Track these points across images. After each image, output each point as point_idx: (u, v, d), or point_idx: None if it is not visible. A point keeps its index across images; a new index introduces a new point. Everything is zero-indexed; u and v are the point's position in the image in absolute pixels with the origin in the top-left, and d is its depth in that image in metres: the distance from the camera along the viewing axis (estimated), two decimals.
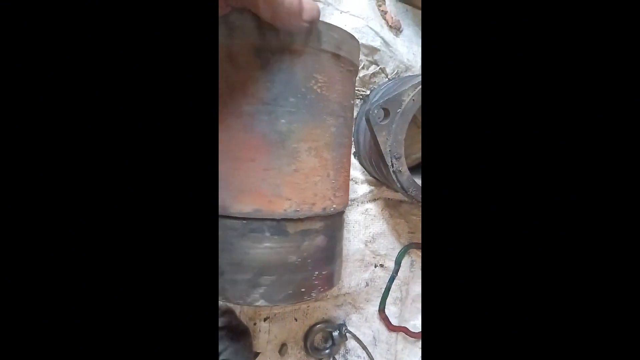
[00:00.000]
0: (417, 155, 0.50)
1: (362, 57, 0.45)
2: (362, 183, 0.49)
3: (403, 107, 0.35)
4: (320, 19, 0.28)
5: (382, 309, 0.53)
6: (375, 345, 0.54)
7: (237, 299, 0.30)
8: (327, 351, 0.51)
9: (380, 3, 0.45)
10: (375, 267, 0.52)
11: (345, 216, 0.40)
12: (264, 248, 0.30)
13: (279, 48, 0.27)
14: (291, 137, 0.28)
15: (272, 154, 0.28)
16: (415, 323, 0.56)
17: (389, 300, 0.53)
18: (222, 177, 0.29)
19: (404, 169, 0.36)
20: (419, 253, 0.54)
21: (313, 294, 0.32)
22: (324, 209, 0.31)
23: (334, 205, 0.32)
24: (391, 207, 0.51)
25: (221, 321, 0.46)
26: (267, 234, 0.29)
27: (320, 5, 0.43)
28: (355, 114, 0.46)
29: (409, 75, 0.46)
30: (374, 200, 0.49)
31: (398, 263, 0.53)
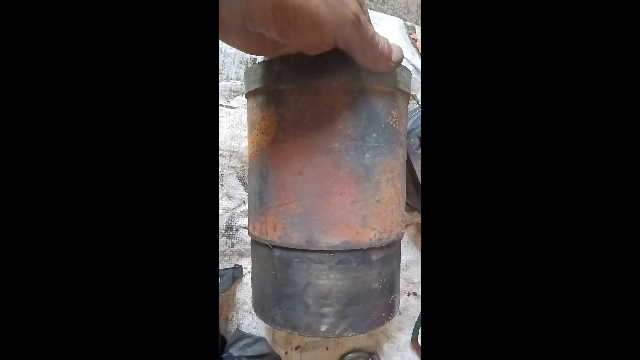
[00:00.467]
0: None
1: None
2: None
3: None
4: None
5: (414, 339, 0.53)
6: None
7: (325, 333, 0.30)
8: None
9: (410, 31, 0.48)
10: (408, 295, 0.53)
11: None
12: (351, 278, 0.30)
13: (364, 89, 0.29)
14: (374, 170, 0.30)
15: (358, 187, 0.29)
16: None
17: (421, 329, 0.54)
18: (308, 212, 0.29)
19: None
20: None
21: (390, 317, 0.33)
22: (397, 234, 0.33)
23: (402, 230, 0.34)
24: None
25: (254, 350, 0.45)
26: (354, 265, 0.30)
27: None
28: None
29: None
30: (406, 226, 0.51)
31: None
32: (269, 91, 0.30)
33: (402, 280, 0.52)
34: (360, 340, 0.52)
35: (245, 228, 0.45)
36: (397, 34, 0.47)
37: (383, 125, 0.30)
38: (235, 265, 0.46)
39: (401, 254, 0.51)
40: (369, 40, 0.25)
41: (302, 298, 0.30)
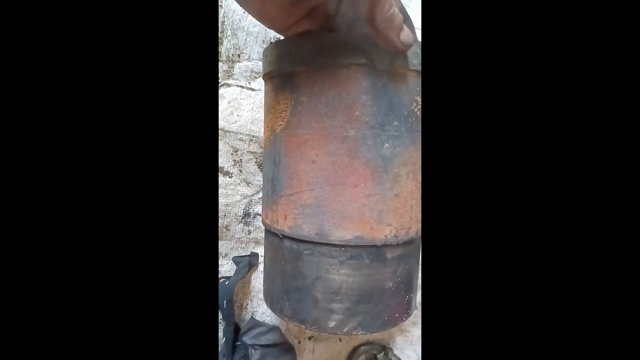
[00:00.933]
0: None
1: None
2: None
3: None
4: (421, 41, 0.27)
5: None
6: None
7: (333, 330, 0.29)
8: None
9: None
10: None
11: None
12: (363, 275, 0.29)
13: (386, 72, 0.26)
14: (394, 162, 0.28)
15: (375, 179, 0.27)
16: None
17: None
18: (320, 203, 0.28)
19: None
20: None
21: (404, 318, 0.31)
22: (417, 232, 0.30)
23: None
24: None
25: (267, 338, 0.45)
26: (367, 261, 0.29)
27: None
28: None
29: None
30: None
31: None
32: (284, 73, 0.28)
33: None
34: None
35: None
36: None
37: (406, 113, 0.27)
38: (252, 252, 0.45)
39: None
40: (390, 12, 0.23)
41: (311, 292, 0.29)
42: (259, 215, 0.44)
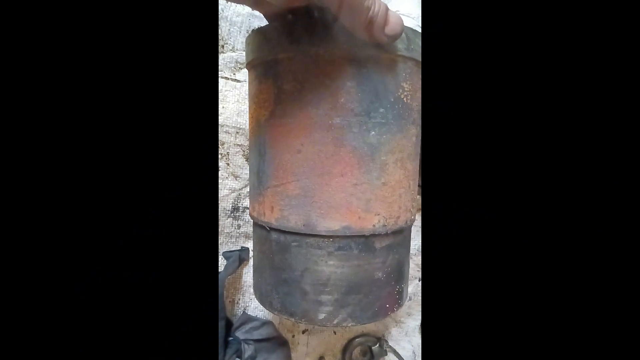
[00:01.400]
0: None
1: None
2: None
3: None
4: (407, 26, 0.26)
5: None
6: None
7: (323, 322, 0.29)
8: None
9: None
10: (419, 280, 0.51)
11: None
12: (352, 266, 0.28)
13: (371, 57, 0.26)
14: (381, 150, 0.27)
15: (362, 167, 0.27)
16: None
17: None
18: (307, 194, 0.27)
19: None
20: None
21: (395, 309, 0.31)
22: (406, 221, 0.30)
23: (412, 217, 0.31)
24: None
25: (260, 333, 0.45)
26: (355, 252, 0.28)
27: None
28: None
29: None
30: (418, 211, 0.48)
31: None
32: (267, 61, 0.28)
33: (413, 266, 0.50)
34: (368, 324, 0.50)
35: None
36: (416, 4, 0.43)
37: (392, 100, 0.27)
38: (242, 247, 0.44)
39: (414, 239, 0.48)
40: None
41: (300, 284, 0.29)
42: (248, 209, 0.43)
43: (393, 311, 0.31)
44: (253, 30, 0.29)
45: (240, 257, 0.43)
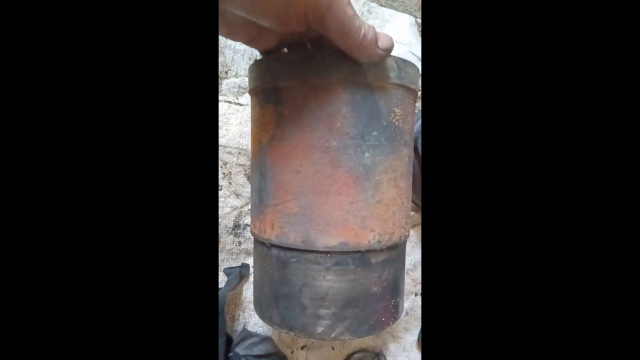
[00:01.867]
0: None
1: None
2: None
3: None
4: (398, 57, 0.29)
5: (421, 339, 0.53)
6: None
7: (321, 335, 0.30)
8: None
9: (421, 29, 0.47)
10: (415, 295, 0.52)
11: None
12: (349, 281, 0.30)
13: (365, 84, 0.28)
14: (375, 170, 0.29)
15: (357, 186, 0.28)
16: None
17: None
18: (305, 212, 0.29)
19: None
20: None
21: (391, 322, 0.32)
22: (400, 237, 0.32)
23: (406, 233, 0.33)
24: None
25: (260, 349, 0.45)
26: (352, 267, 0.29)
27: None
28: None
29: None
30: (414, 226, 0.50)
31: None
32: (268, 88, 0.30)
33: (409, 281, 0.51)
34: (367, 340, 0.51)
35: None
36: (408, 30, 0.46)
37: (384, 123, 0.29)
38: (243, 263, 0.46)
39: (410, 254, 0.50)
40: (347, 21, 0.24)
41: (299, 298, 0.30)
42: (249, 226, 0.45)
43: (389, 325, 0.32)
44: (256, 60, 0.32)
45: (240, 273, 0.45)
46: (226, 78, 0.42)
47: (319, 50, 0.27)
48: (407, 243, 0.50)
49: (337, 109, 0.28)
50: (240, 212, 0.44)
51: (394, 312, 0.32)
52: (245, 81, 0.43)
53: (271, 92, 0.30)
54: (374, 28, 0.26)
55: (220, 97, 0.42)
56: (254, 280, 0.36)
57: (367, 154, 0.28)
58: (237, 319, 0.46)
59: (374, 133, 0.29)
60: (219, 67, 0.42)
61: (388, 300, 0.32)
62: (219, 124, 0.42)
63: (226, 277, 0.44)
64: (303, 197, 0.29)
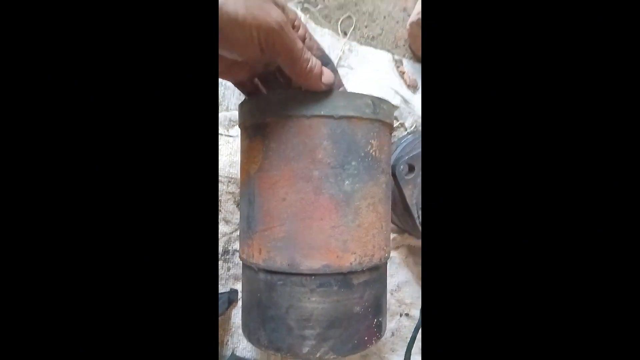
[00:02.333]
0: None
1: None
2: None
3: None
4: (373, 95, 0.32)
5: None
6: None
7: (307, 355, 0.31)
8: None
9: (398, 64, 0.51)
10: (400, 316, 0.53)
11: None
12: (332, 302, 0.31)
13: (343, 120, 0.31)
14: (354, 196, 0.31)
15: (339, 212, 0.31)
16: None
17: (414, 350, 0.52)
18: (290, 236, 0.31)
19: None
20: None
21: (374, 341, 0.34)
22: (380, 258, 0.34)
23: (386, 255, 0.35)
24: (415, 254, 0.53)
25: None
26: (335, 288, 0.31)
27: (346, 70, 0.49)
28: None
29: None
30: (397, 248, 0.52)
31: None
32: (256, 123, 0.33)
33: (394, 302, 0.52)
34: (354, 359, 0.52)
35: None
36: (387, 66, 0.50)
37: (362, 154, 0.32)
38: (231, 289, 0.47)
39: (394, 275, 0.52)
40: (296, 51, 0.27)
41: (285, 320, 0.31)
42: (238, 251, 0.46)
43: (372, 343, 0.34)
44: (246, 98, 0.35)
45: (229, 298, 0.46)
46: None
47: (301, 91, 0.30)
48: (391, 264, 0.52)
49: (318, 142, 0.30)
50: (230, 238, 0.46)
51: (376, 331, 0.34)
52: (235, 114, 0.45)
53: (259, 127, 0.32)
54: (320, 63, 0.30)
55: None
56: (242, 304, 0.37)
57: (347, 182, 0.31)
58: (226, 344, 0.47)
59: (353, 163, 0.31)
60: None
61: (370, 319, 0.33)
62: None
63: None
64: (288, 223, 0.31)
